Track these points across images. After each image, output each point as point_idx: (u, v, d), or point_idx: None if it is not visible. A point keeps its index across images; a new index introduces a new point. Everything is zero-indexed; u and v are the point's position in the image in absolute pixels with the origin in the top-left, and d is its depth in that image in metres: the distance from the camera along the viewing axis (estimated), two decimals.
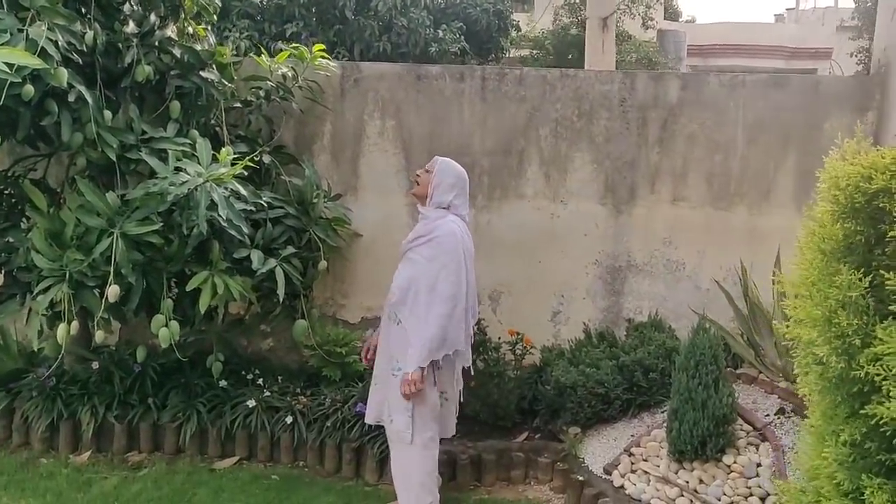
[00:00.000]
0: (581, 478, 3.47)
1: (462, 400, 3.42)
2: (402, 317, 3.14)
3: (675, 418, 3.33)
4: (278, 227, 3.86)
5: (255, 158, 3.72)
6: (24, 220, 3.69)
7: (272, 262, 3.62)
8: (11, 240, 3.59)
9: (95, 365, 3.96)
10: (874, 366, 1.68)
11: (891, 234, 1.70)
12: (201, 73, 3.73)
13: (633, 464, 3.48)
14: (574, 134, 4.35)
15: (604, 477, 3.48)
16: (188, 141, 3.53)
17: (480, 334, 4.01)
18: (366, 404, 3.45)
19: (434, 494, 3.20)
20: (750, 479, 3.20)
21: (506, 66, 7.50)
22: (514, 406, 4.00)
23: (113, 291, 3.20)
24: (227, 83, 3.91)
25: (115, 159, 3.39)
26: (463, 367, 3.33)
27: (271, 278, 3.60)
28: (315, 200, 4.00)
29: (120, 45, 3.50)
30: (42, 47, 2.98)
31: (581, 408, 3.75)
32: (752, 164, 4.28)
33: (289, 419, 3.84)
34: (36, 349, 3.68)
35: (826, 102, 4.23)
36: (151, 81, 3.59)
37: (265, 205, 3.77)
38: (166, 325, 3.42)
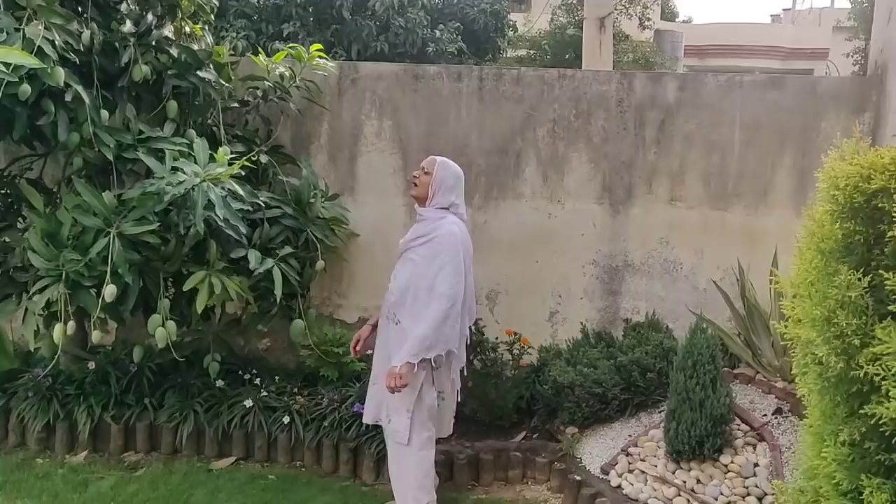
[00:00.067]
0: (578, 478, 3.47)
1: (459, 400, 3.41)
2: (402, 317, 3.13)
3: (673, 418, 3.33)
4: (275, 226, 3.85)
5: (253, 158, 3.71)
6: (20, 219, 3.68)
7: (269, 262, 3.61)
8: (8, 239, 3.58)
9: (92, 365, 3.95)
10: (873, 365, 1.68)
11: (890, 233, 1.70)
12: (198, 72, 3.72)
13: (630, 464, 3.48)
14: (571, 134, 4.35)
15: (601, 477, 3.48)
16: (185, 141, 3.52)
17: (478, 334, 4.01)
18: (363, 404, 3.45)
19: (431, 494, 3.20)
20: (747, 478, 3.20)
21: (503, 66, 7.49)
22: (512, 406, 4.00)
23: (109, 291, 3.19)
24: (224, 83, 3.90)
25: (111, 159, 3.39)
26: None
27: (268, 278, 3.59)
28: (312, 200, 3.99)
29: (117, 45, 3.50)
30: (39, 46, 2.97)
31: (578, 408, 3.75)
32: (749, 164, 4.29)
33: (286, 419, 3.83)
34: (32, 349, 3.68)
35: (823, 103, 4.23)
36: (148, 81, 3.59)
37: (262, 205, 3.77)
38: (163, 325, 3.42)
